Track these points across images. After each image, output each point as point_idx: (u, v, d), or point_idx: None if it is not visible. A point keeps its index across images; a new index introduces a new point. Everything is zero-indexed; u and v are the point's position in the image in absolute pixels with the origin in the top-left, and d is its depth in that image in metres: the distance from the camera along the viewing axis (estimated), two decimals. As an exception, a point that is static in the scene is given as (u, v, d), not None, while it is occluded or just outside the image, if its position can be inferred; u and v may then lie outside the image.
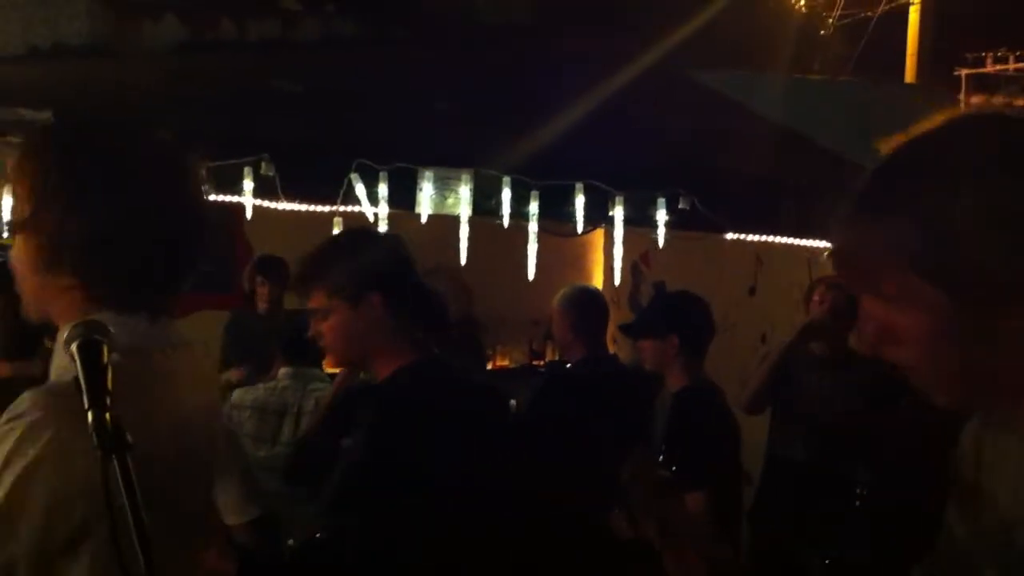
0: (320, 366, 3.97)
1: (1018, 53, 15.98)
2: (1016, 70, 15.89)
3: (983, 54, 15.85)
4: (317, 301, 2.32)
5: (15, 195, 1.44)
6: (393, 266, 2.38)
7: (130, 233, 1.38)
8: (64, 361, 1.28)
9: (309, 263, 2.36)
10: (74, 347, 1.16)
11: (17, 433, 1.26)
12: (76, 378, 1.13)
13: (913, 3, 14.08)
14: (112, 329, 1.19)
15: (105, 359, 1.14)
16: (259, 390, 3.95)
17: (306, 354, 3.79)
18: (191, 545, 1.52)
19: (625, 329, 3.93)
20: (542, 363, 7.27)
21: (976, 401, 1.21)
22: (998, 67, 16.02)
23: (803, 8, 14.34)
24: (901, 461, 2.73)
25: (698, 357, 3.66)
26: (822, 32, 14.61)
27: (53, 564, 1.30)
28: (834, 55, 14.18)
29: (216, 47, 7.85)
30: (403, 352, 2.30)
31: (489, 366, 6.97)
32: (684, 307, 3.73)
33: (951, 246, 1.06)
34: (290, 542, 2.84)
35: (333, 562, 2.19)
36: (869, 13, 14.42)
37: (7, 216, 4.64)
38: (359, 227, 2.46)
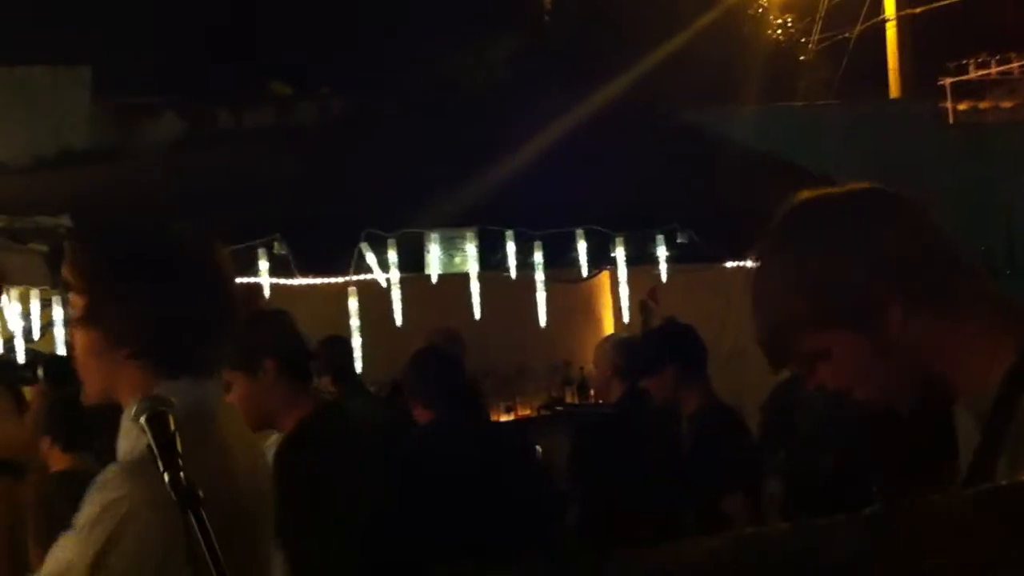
0: None
1: (998, 56, 16.17)
2: (999, 73, 16.04)
3: (964, 62, 16.04)
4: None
5: (70, 297, 1.62)
6: (282, 334, 2.78)
7: (180, 311, 1.55)
8: (133, 435, 1.44)
9: None
10: (143, 420, 1.31)
11: (101, 501, 1.43)
12: (148, 446, 1.28)
13: (889, 20, 14.34)
14: (174, 396, 1.35)
15: (172, 427, 1.30)
16: None
17: None
18: None
19: (625, 375, 4.09)
20: (562, 409, 7.31)
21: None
22: (981, 72, 16.18)
23: (780, 37, 14.59)
24: (911, 462, 2.86)
25: (700, 379, 3.78)
26: (802, 58, 14.84)
27: None
28: (818, 78, 14.38)
29: (215, 139, 8.06)
30: (300, 405, 2.71)
31: (512, 416, 7.06)
32: (672, 338, 3.87)
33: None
34: None
35: None
36: (847, 35, 14.65)
37: (39, 320, 4.82)
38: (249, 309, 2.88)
